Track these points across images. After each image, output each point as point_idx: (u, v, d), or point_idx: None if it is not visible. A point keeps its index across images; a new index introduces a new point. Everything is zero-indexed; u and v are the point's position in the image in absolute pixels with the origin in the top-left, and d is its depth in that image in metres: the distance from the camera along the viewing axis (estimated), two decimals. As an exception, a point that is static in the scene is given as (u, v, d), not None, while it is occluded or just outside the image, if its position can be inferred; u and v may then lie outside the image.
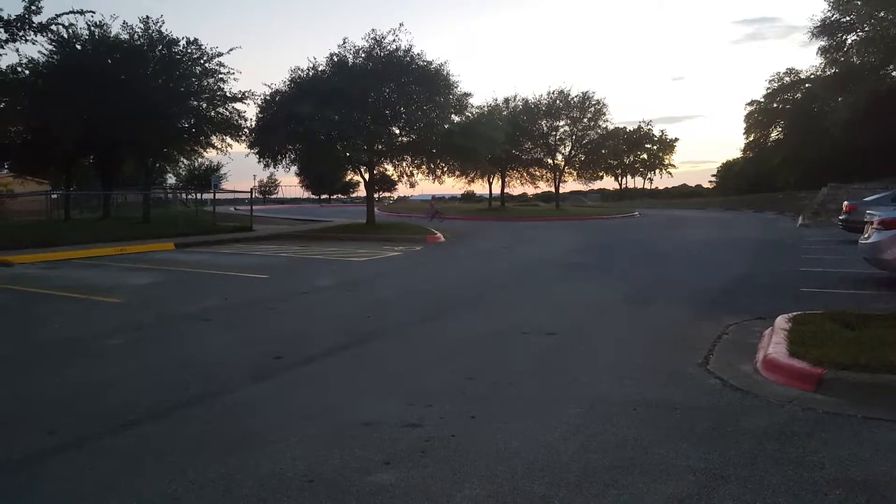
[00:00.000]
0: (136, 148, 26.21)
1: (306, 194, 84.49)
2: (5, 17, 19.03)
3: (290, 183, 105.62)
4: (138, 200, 30.76)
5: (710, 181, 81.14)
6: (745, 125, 58.12)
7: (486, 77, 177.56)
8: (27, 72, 23.54)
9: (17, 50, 29.58)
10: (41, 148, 25.93)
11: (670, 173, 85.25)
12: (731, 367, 5.51)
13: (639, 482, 3.37)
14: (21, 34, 19.55)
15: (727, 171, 67.91)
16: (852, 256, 12.42)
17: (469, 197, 74.67)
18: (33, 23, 19.69)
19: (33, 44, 21.50)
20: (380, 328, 7.54)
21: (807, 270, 12.34)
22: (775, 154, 51.09)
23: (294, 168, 29.87)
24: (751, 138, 58.46)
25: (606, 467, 3.57)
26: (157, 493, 3.32)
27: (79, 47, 24.09)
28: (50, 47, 23.53)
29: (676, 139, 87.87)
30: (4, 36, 19.27)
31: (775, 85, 53.17)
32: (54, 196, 28.14)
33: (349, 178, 67.80)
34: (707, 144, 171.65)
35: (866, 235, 10.35)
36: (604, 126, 46.63)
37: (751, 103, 57.08)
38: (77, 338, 7.10)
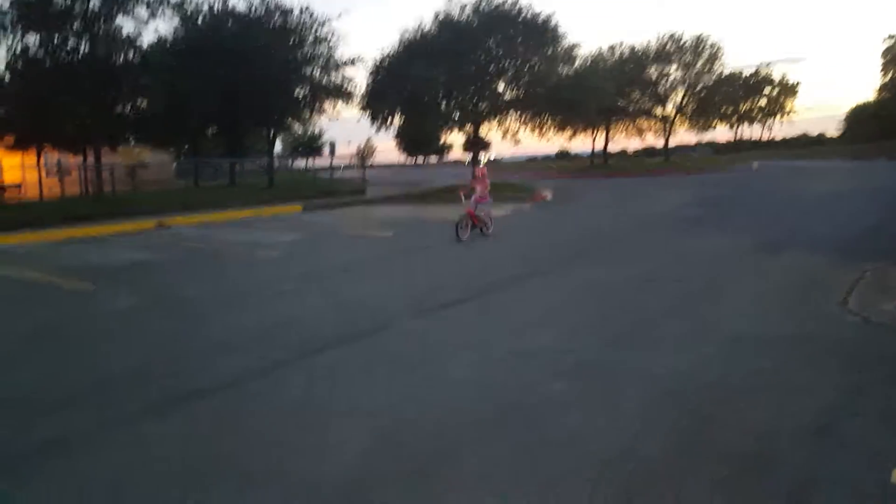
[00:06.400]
0: (261, 118, 28.00)
1: (400, 158, 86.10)
2: None
3: (384, 148, 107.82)
4: (252, 168, 33.22)
5: (837, 129, 74.73)
6: (882, 62, 52.81)
7: (587, 24, 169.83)
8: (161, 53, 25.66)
9: (157, 29, 32.20)
10: (173, 121, 28.29)
11: (792, 119, 79.21)
12: (871, 306, 5.63)
13: (781, 398, 3.76)
14: (161, 9, 21.37)
15: (857, 116, 62.26)
16: None
17: (564, 155, 73.22)
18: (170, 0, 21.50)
19: (170, 19, 23.16)
20: (516, 275, 8.11)
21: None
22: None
23: (392, 130, 30.33)
24: (888, 77, 53.10)
25: (748, 388, 3.97)
26: (369, 400, 4.08)
27: (200, 23, 25.78)
28: (176, 25, 25.40)
29: (798, 83, 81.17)
30: (146, 14, 21.16)
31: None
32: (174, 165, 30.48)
33: (443, 140, 68.22)
34: (830, 88, 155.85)
35: None
36: (718, 71, 44.09)
37: (890, 37, 51.71)
38: (259, 282, 8.17)
